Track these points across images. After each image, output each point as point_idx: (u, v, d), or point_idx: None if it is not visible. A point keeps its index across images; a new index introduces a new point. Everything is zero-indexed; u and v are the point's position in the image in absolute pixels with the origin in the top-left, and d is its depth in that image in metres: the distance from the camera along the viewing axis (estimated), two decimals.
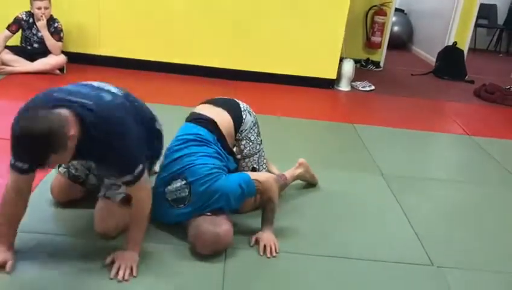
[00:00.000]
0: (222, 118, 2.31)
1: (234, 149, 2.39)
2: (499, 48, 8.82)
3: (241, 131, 2.37)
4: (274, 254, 2.15)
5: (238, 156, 2.39)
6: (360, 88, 5.23)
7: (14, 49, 4.44)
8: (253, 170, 2.43)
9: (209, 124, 2.27)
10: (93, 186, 2.27)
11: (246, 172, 2.26)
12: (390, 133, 3.96)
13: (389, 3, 6.09)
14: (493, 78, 5.89)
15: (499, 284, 2.17)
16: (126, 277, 1.88)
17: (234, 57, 4.93)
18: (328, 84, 5.06)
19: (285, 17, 4.80)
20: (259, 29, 4.84)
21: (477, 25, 7.43)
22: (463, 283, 2.13)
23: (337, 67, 5.02)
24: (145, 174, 1.93)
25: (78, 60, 4.72)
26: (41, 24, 4.37)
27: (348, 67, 5.13)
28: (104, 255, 1.96)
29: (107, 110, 1.83)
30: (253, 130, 2.42)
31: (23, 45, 4.52)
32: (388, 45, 6.39)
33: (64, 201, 2.33)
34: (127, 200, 2.06)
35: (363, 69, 6.13)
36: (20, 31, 4.45)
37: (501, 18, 8.64)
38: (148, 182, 1.98)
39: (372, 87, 5.26)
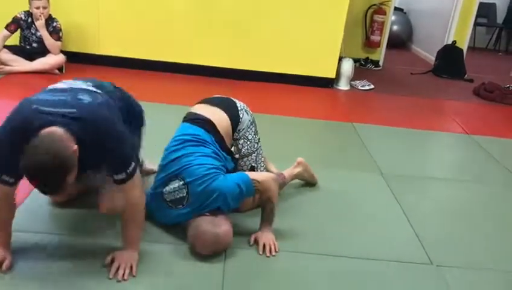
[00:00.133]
0: (219, 117, 2.31)
1: (232, 149, 2.39)
2: (498, 46, 8.83)
3: (239, 130, 2.36)
4: (273, 253, 2.15)
5: (236, 156, 2.39)
6: (360, 87, 5.23)
7: (13, 49, 4.44)
8: (252, 168, 2.43)
9: (206, 124, 2.26)
10: (85, 180, 2.25)
11: (245, 172, 2.26)
12: (389, 132, 3.96)
13: (388, 2, 6.09)
14: (492, 77, 5.90)
15: (498, 283, 2.18)
16: (125, 277, 1.88)
17: (233, 56, 4.93)
18: (328, 83, 5.06)
19: (285, 16, 4.80)
20: (259, 29, 4.84)
21: (476, 24, 7.43)
22: (462, 282, 2.13)
23: (336, 66, 5.03)
24: (137, 171, 1.93)
25: (77, 59, 4.72)
26: (40, 23, 4.37)
27: (347, 66, 5.13)
28: (104, 254, 1.96)
29: (92, 114, 1.81)
30: (251, 129, 2.42)
31: (22, 44, 4.52)
32: (387, 43, 6.39)
33: (61, 200, 2.32)
34: None
35: (363, 68, 6.13)
36: (19, 30, 4.45)
37: (500, 17, 8.64)
38: (139, 179, 1.96)
39: (372, 86, 5.26)
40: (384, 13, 6.06)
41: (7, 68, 4.39)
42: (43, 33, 4.40)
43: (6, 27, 4.36)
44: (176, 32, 4.82)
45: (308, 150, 3.28)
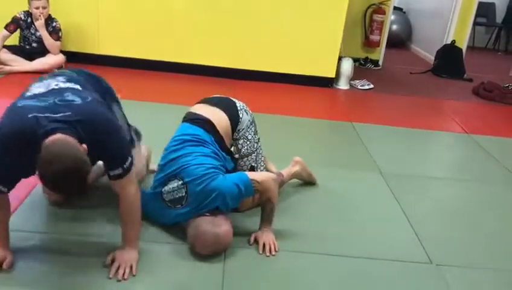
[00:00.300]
0: (219, 117, 2.31)
1: (232, 149, 2.39)
2: (498, 46, 8.83)
3: (238, 130, 2.36)
4: (273, 252, 2.15)
5: (236, 156, 2.39)
6: (359, 87, 5.23)
7: (12, 49, 4.44)
8: (252, 168, 2.43)
9: (206, 124, 2.26)
10: None
11: (244, 172, 2.25)
12: (389, 132, 3.97)
13: (387, 2, 6.10)
14: (492, 76, 5.90)
15: (497, 283, 2.18)
16: (125, 276, 1.88)
17: (233, 56, 4.93)
18: (327, 82, 5.06)
19: (285, 16, 4.81)
20: (259, 29, 4.84)
21: (475, 23, 7.43)
22: (462, 281, 2.14)
23: (336, 65, 5.03)
24: (133, 167, 1.92)
25: (76, 59, 4.71)
26: (40, 23, 4.37)
27: (347, 66, 5.14)
28: (104, 254, 1.96)
29: (87, 114, 1.80)
30: (250, 129, 2.42)
31: (21, 44, 4.52)
32: (387, 43, 6.39)
33: (59, 200, 2.32)
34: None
35: (362, 67, 6.13)
36: (18, 30, 4.45)
37: (499, 16, 8.64)
38: (134, 175, 1.96)
39: (371, 86, 5.27)
40: (383, 13, 6.07)
41: (7, 68, 4.39)
42: (43, 33, 4.40)
43: (6, 27, 4.37)
44: (175, 32, 4.82)
45: (308, 149, 3.28)
